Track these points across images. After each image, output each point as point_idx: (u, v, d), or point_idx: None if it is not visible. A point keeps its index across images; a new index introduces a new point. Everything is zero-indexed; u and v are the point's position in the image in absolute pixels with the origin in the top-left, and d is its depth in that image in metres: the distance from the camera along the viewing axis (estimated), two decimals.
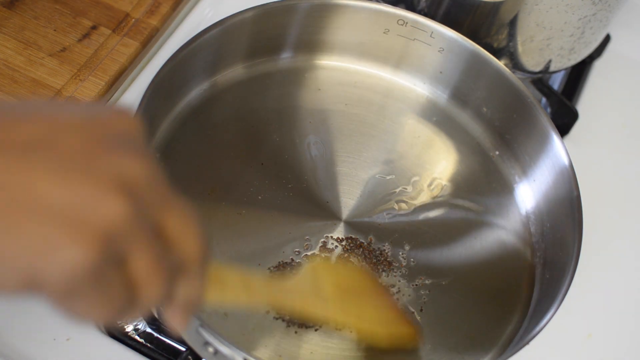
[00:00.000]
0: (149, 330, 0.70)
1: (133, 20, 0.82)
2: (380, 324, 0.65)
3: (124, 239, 0.37)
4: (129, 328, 0.70)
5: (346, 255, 0.71)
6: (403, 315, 0.68)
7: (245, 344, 0.64)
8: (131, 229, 0.37)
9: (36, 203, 0.36)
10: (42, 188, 0.36)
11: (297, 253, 0.70)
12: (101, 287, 0.37)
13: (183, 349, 0.69)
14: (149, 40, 0.82)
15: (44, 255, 0.35)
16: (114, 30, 0.81)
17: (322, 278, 0.62)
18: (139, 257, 0.38)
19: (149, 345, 0.69)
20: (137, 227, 0.37)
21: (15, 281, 0.36)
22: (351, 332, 0.66)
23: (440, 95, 0.82)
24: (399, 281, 0.70)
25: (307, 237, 0.71)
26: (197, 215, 0.41)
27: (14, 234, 0.35)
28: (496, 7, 0.80)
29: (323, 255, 0.70)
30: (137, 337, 0.70)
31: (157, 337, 0.70)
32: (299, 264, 0.69)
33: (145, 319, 0.70)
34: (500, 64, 0.77)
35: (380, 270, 0.70)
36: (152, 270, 0.38)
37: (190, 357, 0.68)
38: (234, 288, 0.51)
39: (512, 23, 0.81)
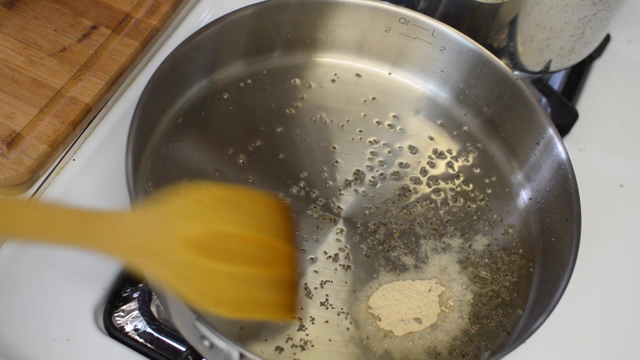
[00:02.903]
0: (149, 330, 0.70)
1: (133, 20, 0.82)
2: (247, 293, 0.57)
3: None
4: (129, 328, 0.70)
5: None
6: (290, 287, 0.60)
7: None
8: None
9: None
10: None
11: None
12: None
13: (183, 348, 0.69)
14: (149, 40, 0.82)
15: None
16: (114, 30, 0.81)
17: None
18: None
19: (149, 345, 0.69)
20: None
21: None
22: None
23: (441, 94, 0.82)
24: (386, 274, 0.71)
25: (305, 237, 0.71)
26: None
27: None
28: (496, 7, 0.80)
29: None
30: (137, 337, 0.70)
31: (157, 337, 0.70)
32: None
33: (145, 319, 0.70)
34: (501, 63, 0.77)
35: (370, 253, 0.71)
36: None
37: (190, 357, 0.68)
38: None
39: (512, 23, 0.81)
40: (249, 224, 0.58)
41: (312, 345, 0.66)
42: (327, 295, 0.69)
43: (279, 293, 0.59)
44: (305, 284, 0.69)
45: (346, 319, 0.68)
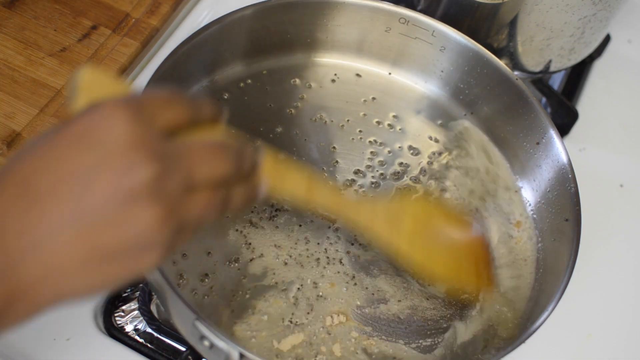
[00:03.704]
0: (149, 330, 0.70)
1: (133, 20, 0.82)
2: (445, 268, 0.67)
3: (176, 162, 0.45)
4: (129, 328, 0.70)
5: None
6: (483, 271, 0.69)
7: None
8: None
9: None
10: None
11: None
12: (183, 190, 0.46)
13: (183, 348, 0.69)
14: (149, 40, 0.82)
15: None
16: (114, 30, 0.81)
17: (403, 209, 0.66)
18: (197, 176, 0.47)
19: (149, 345, 0.70)
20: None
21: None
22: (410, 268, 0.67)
23: (441, 94, 0.82)
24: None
25: (306, 236, 0.71)
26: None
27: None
28: (496, 7, 0.80)
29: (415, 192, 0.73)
30: (137, 337, 0.70)
31: (157, 337, 0.70)
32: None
33: (145, 319, 0.70)
34: (501, 63, 0.77)
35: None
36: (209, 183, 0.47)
37: (190, 357, 0.68)
38: (302, 186, 0.58)
39: (512, 23, 0.81)
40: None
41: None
42: (320, 294, 0.69)
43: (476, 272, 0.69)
44: (314, 282, 0.69)
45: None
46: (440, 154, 0.79)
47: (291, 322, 0.67)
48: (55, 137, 0.45)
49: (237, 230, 0.70)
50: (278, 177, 0.55)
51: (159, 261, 0.46)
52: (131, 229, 0.44)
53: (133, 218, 0.44)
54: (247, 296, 0.67)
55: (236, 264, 0.68)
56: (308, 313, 0.67)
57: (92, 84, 0.48)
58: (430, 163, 0.78)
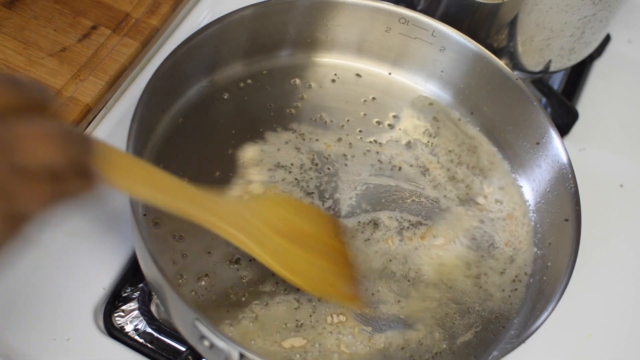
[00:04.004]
0: (149, 330, 0.70)
1: (133, 20, 0.82)
2: (320, 275, 0.67)
3: None
4: (129, 328, 0.70)
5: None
6: (350, 276, 0.69)
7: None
8: None
9: None
10: None
11: None
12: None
13: (183, 349, 0.69)
14: (149, 40, 0.82)
15: None
16: (114, 30, 0.81)
17: (271, 209, 0.65)
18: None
19: (149, 345, 0.69)
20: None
21: None
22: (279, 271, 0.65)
23: (441, 94, 0.82)
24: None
25: None
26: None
27: None
28: (496, 7, 0.80)
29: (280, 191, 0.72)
30: (137, 337, 0.70)
31: (157, 337, 0.70)
32: None
33: (145, 319, 0.70)
34: (502, 63, 0.77)
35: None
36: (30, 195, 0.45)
37: (190, 357, 0.68)
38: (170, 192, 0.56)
39: (512, 23, 0.81)
40: (312, 227, 0.69)
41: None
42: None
43: (345, 283, 0.68)
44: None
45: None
46: (439, 153, 0.79)
47: (292, 322, 0.67)
48: None
49: None
50: (123, 172, 0.53)
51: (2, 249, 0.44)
52: None
53: None
54: (248, 297, 0.67)
55: (236, 265, 0.68)
56: (310, 315, 0.67)
57: None
58: (430, 163, 0.78)
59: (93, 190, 0.49)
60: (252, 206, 0.66)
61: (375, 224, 0.73)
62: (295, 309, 0.67)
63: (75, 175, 0.47)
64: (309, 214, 0.71)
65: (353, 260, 0.70)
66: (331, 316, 0.68)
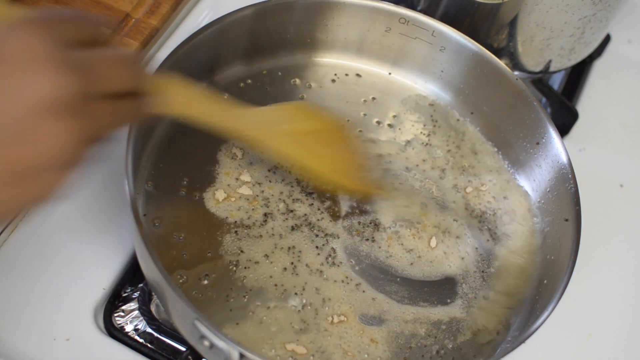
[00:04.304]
0: (149, 330, 0.70)
1: (133, 20, 0.82)
2: (339, 171, 0.72)
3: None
4: (129, 328, 0.70)
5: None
6: (362, 173, 0.74)
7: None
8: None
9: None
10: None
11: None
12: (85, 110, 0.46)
13: (183, 348, 0.69)
14: (149, 40, 0.82)
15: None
16: (114, 30, 0.81)
17: (293, 117, 0.71)
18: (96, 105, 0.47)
19: (149, 345, 0.69)
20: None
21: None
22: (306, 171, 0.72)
23: (441, 94, 0.82)
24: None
25: (308, 236, 0.71)
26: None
27: None
28: (496, 7, 0.80)
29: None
30: (137, 337, 0.70)
31: (157, 337, 0.70)
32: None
33: (145, 319, 0.70)
34: (502, 63, 0.77)
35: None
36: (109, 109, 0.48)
37: (190, 357, 0.68)
38: (203, 106, 0.62)
39: (512, 23, 0.81)
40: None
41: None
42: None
43: (357, 172, 0.74)
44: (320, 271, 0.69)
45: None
46: (439, 153, 0.79)
47: (294, 324, 0.67)
48: None
49: (235, 232, 0.70)
50: (168, 92, 0.57)
51: (69, 177, 0.45)
52: (42, 144, 0.43)
53: (44, 133, 0.43)
54: (248, 298, 0.67)
55: (237, 267, 0.68)
56: (313, 318, 0.67)
57: None
58: (429, 162, 0.78)
59: (148, 113, 0.54)
60: (274, 114, 0.72)
61: (376, 225, 0.73)
62: (298, 311, 0.67)
63: (137, 97, 0.51)
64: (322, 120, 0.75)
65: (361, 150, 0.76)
66: (331, 316, 0.68)
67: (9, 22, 0.45)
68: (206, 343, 0.59)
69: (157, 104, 0.55)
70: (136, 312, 0.70)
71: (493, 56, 0.77)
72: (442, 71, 0.81)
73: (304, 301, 0.68)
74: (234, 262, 0.68)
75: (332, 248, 0.71)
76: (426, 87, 0.82)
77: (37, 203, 0.46)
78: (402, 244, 0.73)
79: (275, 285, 0.68)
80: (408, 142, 0.79)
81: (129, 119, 0.52)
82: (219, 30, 0.74)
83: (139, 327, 0.70)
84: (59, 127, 0.43)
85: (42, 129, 0.43)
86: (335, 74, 0.82)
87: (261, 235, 0.70)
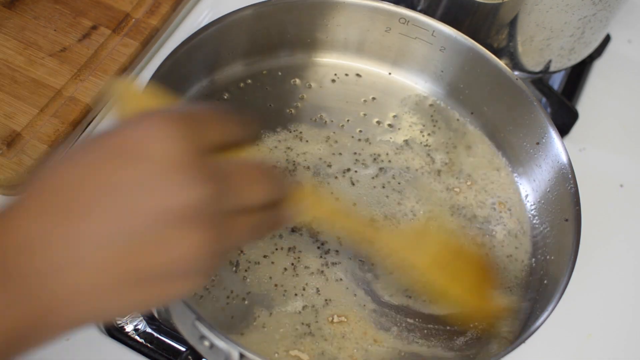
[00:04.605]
0: (149, 330, 0.70)
1: (133, 20, 0.82)
2: (468, 295, 0.68)
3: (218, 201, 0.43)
4: (129, 328, 0.70)
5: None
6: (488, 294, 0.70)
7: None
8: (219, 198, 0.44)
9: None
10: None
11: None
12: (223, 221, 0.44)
13: (183, 349, 0.69)
14: (149, 40, 0.82)
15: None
16: (114, 30, 0.81)
17: (429, 237, 0.69)
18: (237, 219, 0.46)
19: (149, 345, 0.69)
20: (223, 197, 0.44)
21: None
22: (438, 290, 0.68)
23: (441, 94, 0.82)
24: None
25: (303, 244, 0.71)
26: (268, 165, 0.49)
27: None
28: (496, 7, 0.80)
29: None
30: (137, 337, 0.70)
31: (157, 337, 0.70)
32: None
33: (145, 319, 0.70)
34: (502, 63, 0.77)
35: None
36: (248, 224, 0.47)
37: (190, 357, 0.68)
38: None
39: (512, 23, 0.81)
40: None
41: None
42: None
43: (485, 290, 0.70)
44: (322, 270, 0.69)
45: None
46: (439, 153, 0.79)
47: (296, 326, 0.67)
48: (95, 148, 0.42)
49: None
50: (311, 206, 0.56)
51: (196, 287, 0.44)
52: (174, 253, 0.42)
53: (178, 242, 0.42)
54: (248, 298, 0.67)
55: (237, 267, 0.68)
56: (316, 322, 0.67)
57: (129, 94, 0.46)
58: (429, 162, 0.78)
59: (288, 223, 0.54)
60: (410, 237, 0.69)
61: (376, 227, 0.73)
62: (299, 312, 0.67)
63: (275, 208, 0.49)
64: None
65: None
66: (332, 317, 0.68)
67: (151, 112, 0.42)
68: (206, 343, 0.59)
69: (294, 215, 0.53)
70: (136, 312, 0.70)
71: (493, 56, 0.77)
72: (442, 71, 0.81)
73: (305, 302, 0.68)
74: (234, 263, 0.68)
75: (333, 249, 0.71)
76: (426, 87, 0.82)
77: (164, 304, 0.45)
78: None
79: (276, 285, 0.68)
80: (408, 142, 0.79)
81: (264, 232, 0.50)
82: (219, 30, 0.74)
83: (139, 327, 0.70)
84: (192, 237, 0.42)
85: (175, 238, 0.41)
86: (335, 74, 0.82)
87: (265, 240, 0.70)
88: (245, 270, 0.68)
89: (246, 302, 0.67)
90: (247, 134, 0.48)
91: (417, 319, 0.69)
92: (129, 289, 0.42)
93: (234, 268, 0.68)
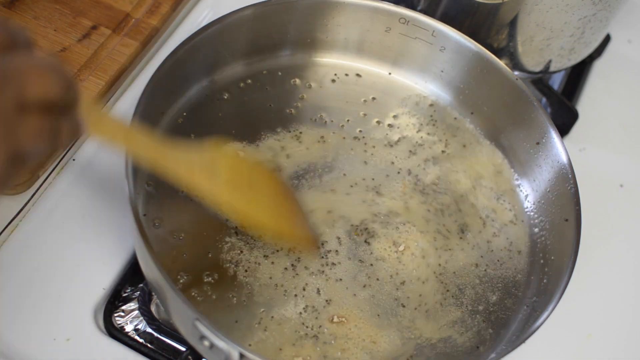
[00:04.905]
0: (149, 330, 0.70)
1: (133, 20, 0.82)
2: (274, 218, 0.68)
3: None
4: (129, 328, 0.70)
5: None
6: (302, 221, 0.71)
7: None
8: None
9: None
10: None
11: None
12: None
13: (183, 348, 0.69)
14: (149, 40, 0.82)
15: None
16: (114, 30, 0.81)
17: (223, 163, 0.65)
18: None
19: (149, 345, 0.70)
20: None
21: None
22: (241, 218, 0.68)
23: (441, 94, 0.82)
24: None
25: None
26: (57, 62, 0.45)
27: None
28: (496, 7, 0.80)
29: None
30: (137, 337, 0.70)
31: (157, 337, 0.70)
32: None
33: (145, 319, 0.70)
34: (502, 63, 0.77)
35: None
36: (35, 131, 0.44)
37: (190, 357, 0.68)
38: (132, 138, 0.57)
39: (512, 23, 0.81)
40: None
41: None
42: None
43: (297, 223, 0.70)
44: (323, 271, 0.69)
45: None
46: (439, 153, 0.79)
47: (296, 327, 0.67)
48: None
49: (235, 233, 0.70)
50: (97, 117, 0.53)
51: None
52: None
53: None
54: (248, 299, 0.67)
55: (237, 267, 0.68)
56: (316, 318, 0.67)
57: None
58: (429, 162, 0.78)
59: (81, 133, 0.49)
60: (209, 156, 0.65)
61: (375, 227, 0.73)
62: (299, 313, 0.67)
63: (67, 115, 0.46)
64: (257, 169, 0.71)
65: (299, 203, 0.72)
66: (333, 317, 0.68)
67: None
68: (206, 343, 0.59)
69: (90, 124, 0.50)
70: (136, 312, 0.70)
71: (493, 56, 0.77)
72: (442, 71, 0.81)
73: (306, 303, 0.68)
74: (234, 263, 0.68)
75: (334, 249, 0.71)
76: (426, 87, 0.82)
77: None
78: (400, 246, 0.73)
79: (276, 285, 0.68)
80: (408, 142, 0.79)
81: (56, 138, 0.46)
82: (219, 30, 0.74)
83: (139, 327, 0.70)
84: None
85: None
86: (335, 74, 0.82)
87: (261, 236, 0.70)
88: (246, 270, 0.68)
89: (245, 304, 0.67)
90: (23, 36, 0.45)
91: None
92: None
93: (234, 268, 0.68)
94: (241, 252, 0.69)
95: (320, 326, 0.67)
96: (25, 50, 0.45)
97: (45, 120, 0.44)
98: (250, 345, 0.65)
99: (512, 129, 0.78)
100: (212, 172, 0.63)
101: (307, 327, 0.67)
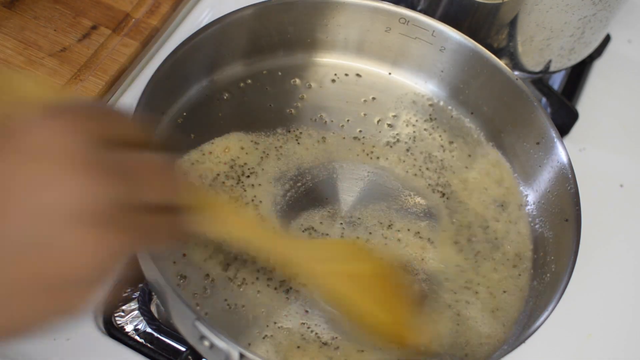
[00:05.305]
0: (149, 330, 0.70)
1: (133, 20, 0.82)
2: (383, 313, 0.65)
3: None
4: (129, 328, 0.70)
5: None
6: (408, 317, 0.68)
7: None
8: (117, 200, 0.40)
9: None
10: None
11: None
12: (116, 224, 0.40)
13: (183, 349, 0.69)
14: (149, 40, 0.82)
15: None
16: (114, 30, 0.81)
17: (346, 255, 0.66)
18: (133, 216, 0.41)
19: (149, 345, 0.70)
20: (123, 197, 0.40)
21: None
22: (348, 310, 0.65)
23: (441, 94, 0.82)
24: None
25: (310, 232, 0.71)
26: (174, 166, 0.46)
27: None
28: (496, 7, 0.80)
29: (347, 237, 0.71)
30: (137, 337, 0.70)
31: (157, 337, 0.70)
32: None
33: (145, 319, 0.70)
34: (501, 63, 0.77)
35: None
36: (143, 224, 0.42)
37: (190, 357, 0.68)
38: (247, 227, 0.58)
39: (512, 23, 0.81)
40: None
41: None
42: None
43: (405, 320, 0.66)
44: None
45: None
46: (439, 153, 0.79)
47: (297, 329, 0.67)
48: None
49: None
50: (211, 212, 0.52)
51: (98, 293, 0.41)
52: (72, 256, 0.38)
53: (74, 244, 0.38)
54: (248, 299, 0.67)
55: (238, 268, 0.68)
56: (316, 323, 0.67)
57: (14, 84, 0.43)
58: (429, 162, 0.78)
59: (190, 230, 0.47)
60: (326, 248, 0.67)
61: (374, 228, 0.73)
62: (301, 315, 0.67)
63: (176, 212, 0.45)
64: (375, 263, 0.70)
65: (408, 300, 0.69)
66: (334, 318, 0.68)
67: (38, 107, 0.39)
68: (206, 343, 0.59)
69: (199, 221, 0.49)
70: (136, 312, 0.70)
71: (493, 56, 0.77)
72: (442, 71, 0.81)
73: (306, 303, 0.68)
74: (236, 263, 0.68)
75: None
76: (426, 87, 0.82)
77: (62, 319, 0.40)
78: (399, 246, 0.73)
79: (276, 288, 0.68)
80: (408, 142, 0.79)
81: (164, 237, 0.44)
82: (219, 30, 0.74)
83: (139, 327, 0.70)
84: (89, 239, 0.38)
85: (70, 241, 0.37)
86: (335, 74, 0.82)
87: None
88: (246, 271, 0.68)
89: (245, 306, 0.67)
90: (142, 130, 0.45)
91: None
92: (24, 299, 0.38)
93: (234, 267, 0.68)
94: (242, 254, 0.69)
95: (323, 329, 0.67)
96: (142, 148, 0.44)
97: (152, 218, 0.43)
98: (250, 345, 0.65)
99: (512, 129, 0.78)
100: (332, 264, 0.64)
101: (309, 330, 0.67)
